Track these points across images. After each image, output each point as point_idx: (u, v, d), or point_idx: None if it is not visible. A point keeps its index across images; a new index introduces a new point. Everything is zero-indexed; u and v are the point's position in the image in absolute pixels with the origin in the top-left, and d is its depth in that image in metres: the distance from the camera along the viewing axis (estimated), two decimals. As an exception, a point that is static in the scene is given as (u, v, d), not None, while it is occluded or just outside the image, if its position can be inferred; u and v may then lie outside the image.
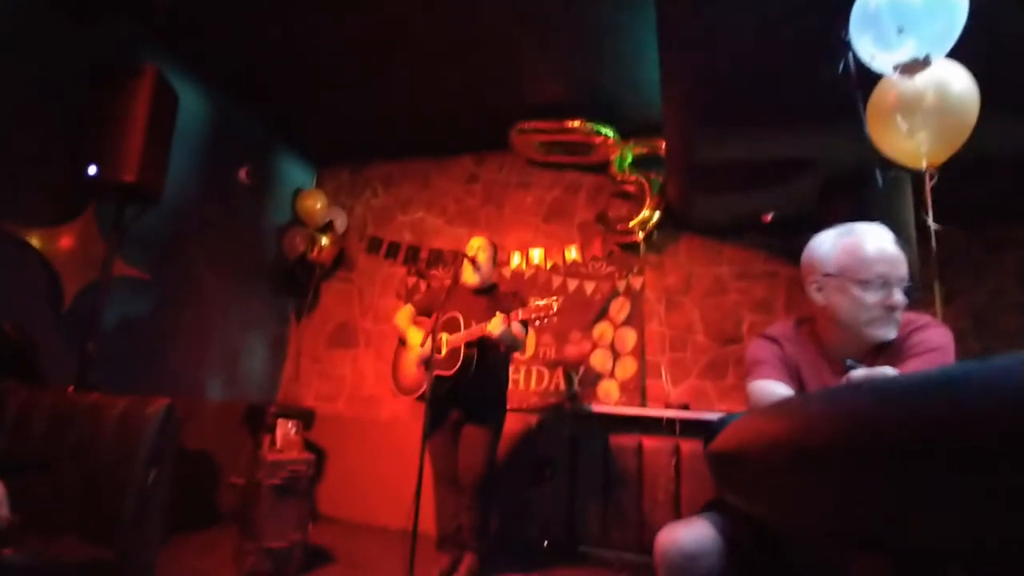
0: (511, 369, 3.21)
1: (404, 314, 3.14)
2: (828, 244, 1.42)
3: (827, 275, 1.39)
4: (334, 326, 4.68)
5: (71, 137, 2.79)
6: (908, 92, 1.89)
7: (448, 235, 4.54)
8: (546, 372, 4.03)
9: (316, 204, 4.55)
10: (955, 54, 1.79)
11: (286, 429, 3.15)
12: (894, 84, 1.94)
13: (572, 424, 3.76)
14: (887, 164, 2.20)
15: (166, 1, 3.07)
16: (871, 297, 1.32)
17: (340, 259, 4.73)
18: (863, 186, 2.62)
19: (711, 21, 2.30)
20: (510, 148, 4.31)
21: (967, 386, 0.55)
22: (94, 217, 3.03)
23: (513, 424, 3.04)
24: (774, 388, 1.38)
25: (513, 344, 2.82)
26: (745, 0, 2.19)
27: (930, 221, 1.99)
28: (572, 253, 4.17)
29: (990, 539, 0.55)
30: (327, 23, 3.24)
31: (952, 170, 1.99)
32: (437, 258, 4.46)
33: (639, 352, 3.90)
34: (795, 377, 1.43)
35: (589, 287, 4.10)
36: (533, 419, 3.87)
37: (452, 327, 2.85)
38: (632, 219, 3.98)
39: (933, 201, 2.00)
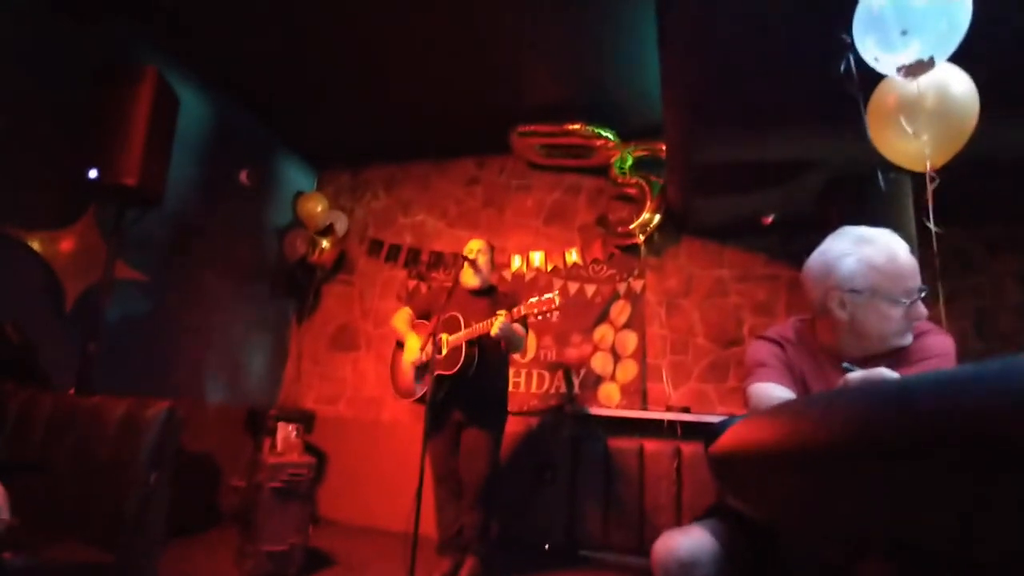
0: (511, 372, 3.21)
1: (402, 317, 3.13)
2: (852, 259, 1.35)
3: (853, 291, 1.34)
4: (335, 328, 4.68)
5: (72, 140, 2.79)
6: (909, 94, 1.89)
7: (449, 237, 4.54)
8: (547, 375, 4.03)
9: (317, 206, 4.55)
10: (955, 55, 1.79)
11: (287, 432, 3.15)
12: (895, 86, 1.94)
13: (573, 427, 3.76)
14: (887, 166, 2.20)
15: None
16: (899, 312, 1.31)
17: (341, 261, 4.73)
18: (863, 188, 2.62)
19: (711, 23, 2.30)
20: (511, 151, 4.32)
21: (967, 388, 0.55)
22: (95, 220, 3.04)
23: (514, 427, 3.04)
24: (774, 391, 1.38)
25: (514, 343, 2.82)
26: (745, 2, 2.19)
27: (931, 224, 1.99)
28: (572, 256, 4.17)
29: (992, 542, 0.54)
30: (328, 25, 3.25)
31: (952, 172, 1.99)
32: (438, 260, 4.46)
33: (640, 355, 3.89)
34: (797, 379, 1.43)
35: (590, 290, 4.10)
36: (534, 422, 3.87)
37: (452, 327, 2.85)
38: (632, 222, 3.98)
39: (933, 202, 2.00)
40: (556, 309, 2.63)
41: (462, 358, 2.76)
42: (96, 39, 3.07)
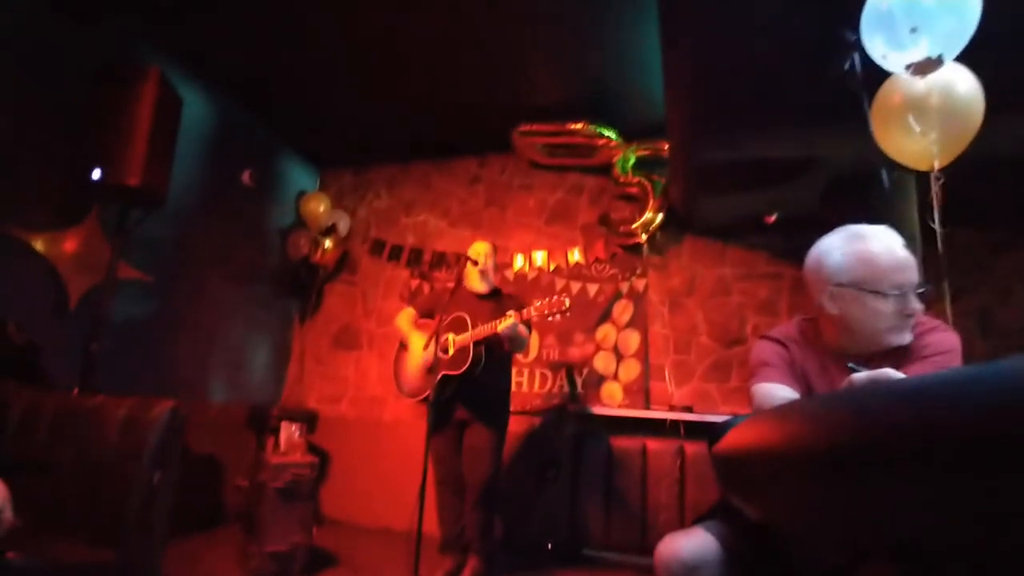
0: (514, 372, 3.20)
1: (405, 316, 3.14)
2: (838, 253, 1.38)
3: (840, 285, 1.35)
4: (337, 328, 4.69)
5: (75, 140, 2.79)
6: (916, 93, 1.88)
7: (451, 237, 4.54)
8: (549, 374, 4.03)
9: (319, 207, 4.56)
10: (961, 54, 1.79)
11: (290, 431, 3.15)
12: (900, 85, 1.94)
13: (575, 426, 3.76)
14: (891, 165, 2.19)
15: None
16: (888, 307, 1.30)
17: (343, 261, 4.74)
18: (867, 186, 2.61)
19: (713, 21, 2.30)
20: (512, 150, 4.31)
21: (973, 389, 0.55)
22: (98, 220, 3.04)
23: (516, 426, 3.05)
24: (777, 391, 1.37)
25: (519, 344, 2.82)
26: (747, 1, 2.19)
27: (936, 224, 1.98)
28: (575, 255, 4.17)
29: (1001, 544, 0.54)
30: (330, 25, 3.25)
31: (956, 171, 1.98)
32: (440, 260, 4.46)
33: (642, 354, 3.89)
34: (801, 379, 1.42)
35: (592, 289, 4.09)
36: (536, 421, 3.86)
37: (459, 327, 2.85)
38: (635, 221, 3.98)
39: (938, 201, 1.99)
40: (567, 311, 2.62)
41: (469, 358, 2.76)
42: (98, 39, 3.07)
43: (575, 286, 4.12)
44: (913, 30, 1.71)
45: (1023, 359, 0.50)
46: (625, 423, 3.66)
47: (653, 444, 3.48)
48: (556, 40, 3.26)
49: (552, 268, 4.21)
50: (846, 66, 1.91)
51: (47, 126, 2.85)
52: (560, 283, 4.15)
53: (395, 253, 4.62)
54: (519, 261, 4.27)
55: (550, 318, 2.65)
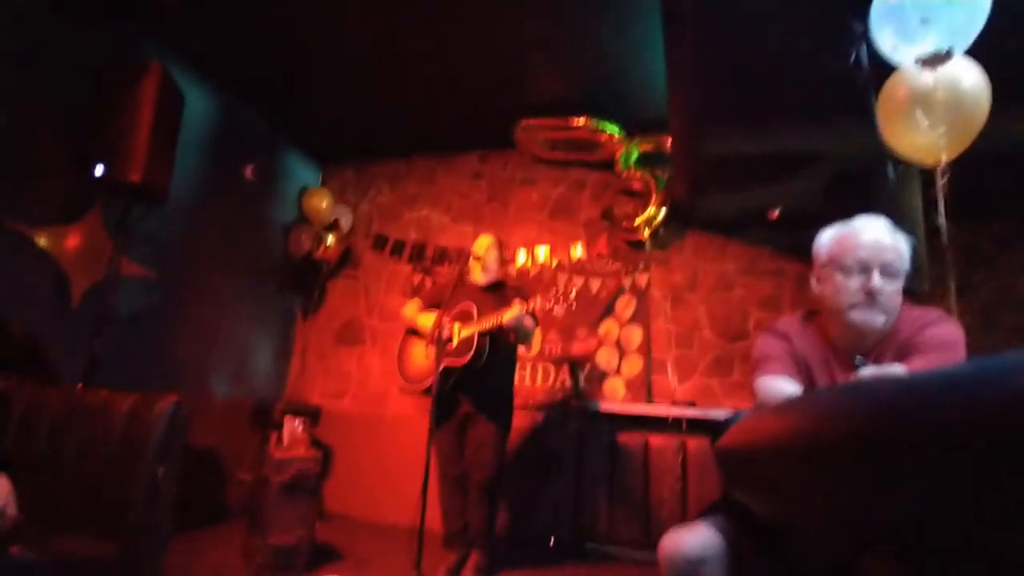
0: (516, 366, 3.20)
1: (412, 306, 3.15)
2: (826, 236, 1.47)
3: (821, 266, 1.44)
4: (340, 324, 4.69)
5: (77, 136, 2.79)
6: (924, 86, 1.86)
7: (453, 232, 4.53)
8: (552, 369, 4.03)
9: (322, 202, 4.56)
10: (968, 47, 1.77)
11: (293, 426, 3.16)
12: (907, 78, 1.92)
13: (578, 421, 3.75)
14: (896, 159, 2.18)
15: None
16: (852, 282, 1.35)
17: (346, 257, 4.74)
18: (871, 180, 2.60)
19: (716, 14, 2.28)
20: (515, 145, 4.30)
21: (978, 383, 0.55)
22: (101, 216, 3.04)
23: (519, 421, 3.05)
24: (781, 384, 1.38)
25: (523, 335, 2.81)
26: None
27: (941, 220, 1.97)
28: (578, 250, 4.16)
29: (1000, 537, 0.54)
30: (331, 20, 3.24)
31: (962, 165, 1.97)
32: (442, 255, 4.46)
33: (645, 349, 3.89)
34: (804, 372, 1.42)
35: (595, 284, 4.09)
36: (539, 416, 3.86)
37: (465, 318, 2.85)
38: (638, 216, 3.97)
39: (943, 195, 1.98)
40: (573, 301, 2.63)
41: (473, 349, 2.76)
42: (100, 36, 3.06)
43: (578, 281, 4.11)
44: (924, 21, 1.70)
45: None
46: (628, 418, 3.65)
47: (656, 439, 3.49)
48: (558, 34, 3.25)
49: (555, 263, 4.21)
50: (852, 58, 1.90)
51: (49, 122, 2.85)
52: (563, 278, 4.14)
53: (398, 249, 4.62)
54: (521, 256, 4.27)
55: (554, 308, 2.65)
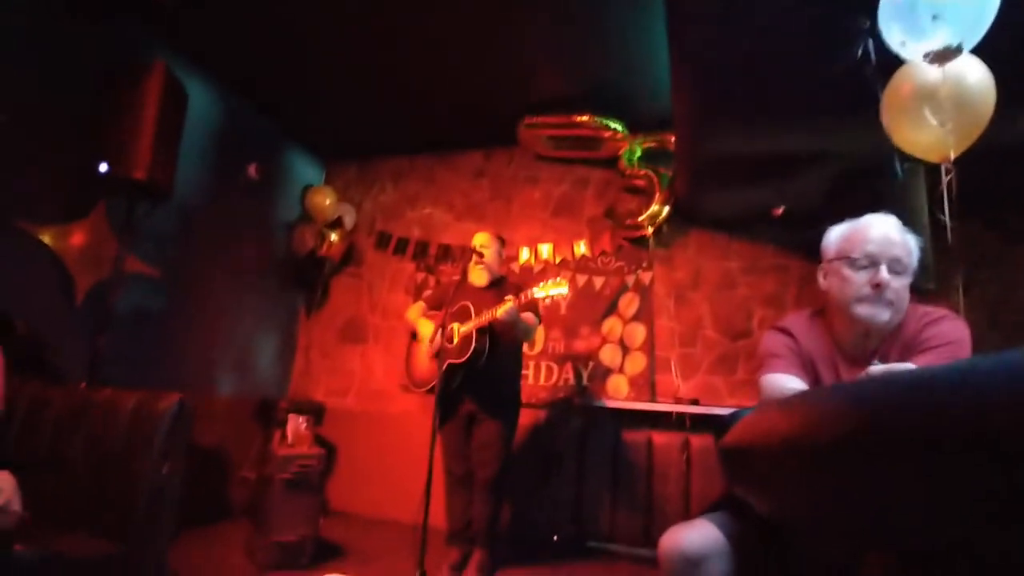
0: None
1: (415, 310, 3.15)
2: (835, 232, 1.47)
3: (829, 261, 1.44)
4: (343, 321, 4.70)
5: (82, 134, 2.80)
6: (931, 83, 1.85)
7: (456, 230, 4.53)
8: (555, 367, 4.03)
9: (325, 200, 4.56)
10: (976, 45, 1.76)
11: (297, 424, 3.17)
12: (914, 74, 1.91)
13: (581, 419, 3.75)
14: (902, 156, 2.17)
15: None
16: (860, 276, 1.35)
17: (349, 255, 4.74)
18: (876, 178, 2.58)
19: (721, 11, 2.27)
20: (518, 143, 4.30)
21: (984, 381, 0.54)
22: (105, 214, 3.05)
23: (523, 419, 3.05)
24: (786, 382, 1.37)
25: (522, 329, 2.80)
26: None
27: (945, 217, 1.96)
28: (581, 248, 4.16)
29: (1008, 538, 0.53)
30: (334, 18, 3.23)
31: (968, 162, 1.96)
32: (446, 253, 4.46)
33: (648, 347, 3.88)
34: (809, 370, 1.42)
35: (598, 282, 4.08)
36: (542, 414, 3.87)
37: (463, 316, 2.85)
38: (641, 214, 3.96)
39: (948, 193, 1.97)
40: (565, 297, 2.61)
41: (472, 347, 2.76)
42: (104, 35, 3.07)
43: (581, 279, 4.11)
44: (935, 17, 1.69)
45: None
46: (631, 416, 3.65)
47: (659, 437, 3.48)
48: (561, 32, 3.24)
49: (558, 261, 4.20)
50: (859, 53, 1.89)
51: (54, 120, 2.86)
52: (566, 276, 4.12)
53: (401, 246, 4.62)
54: (524, 254, 4.26)
55: (548, 300, 2.64)
